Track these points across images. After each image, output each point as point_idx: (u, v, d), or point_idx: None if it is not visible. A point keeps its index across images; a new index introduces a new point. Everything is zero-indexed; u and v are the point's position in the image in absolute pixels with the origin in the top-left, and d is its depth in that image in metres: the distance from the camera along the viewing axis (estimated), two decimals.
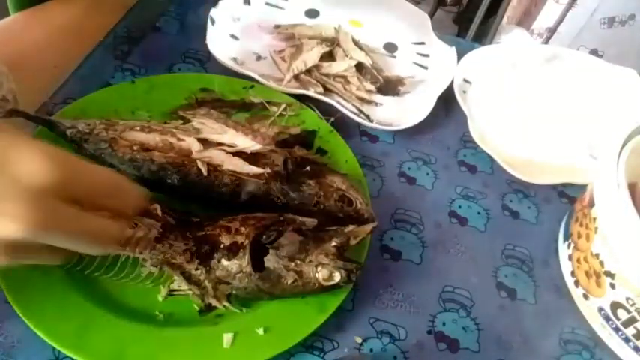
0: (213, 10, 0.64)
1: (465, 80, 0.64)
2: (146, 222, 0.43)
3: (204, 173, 0.44)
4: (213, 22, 0.63)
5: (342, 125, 0.56)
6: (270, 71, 0.61)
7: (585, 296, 0.46)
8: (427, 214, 0.52)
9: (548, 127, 0.61)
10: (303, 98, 0.57)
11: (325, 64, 0.61)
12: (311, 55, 0.61)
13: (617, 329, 0.44)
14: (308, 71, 0.60)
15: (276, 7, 0.71)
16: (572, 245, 0.48)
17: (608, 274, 0.43)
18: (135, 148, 0.45)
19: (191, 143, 0.46)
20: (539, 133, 0.61)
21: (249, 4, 0.69)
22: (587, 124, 0.62)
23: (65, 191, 0.30)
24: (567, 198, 0.56)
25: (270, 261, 0.40)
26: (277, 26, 0.68)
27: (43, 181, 0.29)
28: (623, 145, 0.44)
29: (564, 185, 0.57)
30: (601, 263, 0.44)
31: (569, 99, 0.64)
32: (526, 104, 0.63)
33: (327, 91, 0.60)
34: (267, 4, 0.71)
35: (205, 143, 0.46)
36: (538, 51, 0.69)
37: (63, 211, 0.30)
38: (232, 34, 0.65)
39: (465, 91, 0.62)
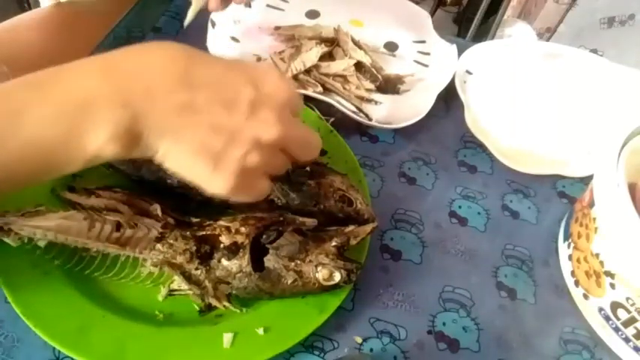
0: (214, 13, 0.63)
1: (467, 72, 0.64)
2: (146, 222, 0.43)
3: None
4: (213, 25, 0.63)
5: (342, 125, 0.56)
6: None
7: (585, 296, 0.46)
8: (427, 214, 0.52)
9: (544, 120, 0.61)
10: (302, 98, 0.57)
11: (324, 63, 0.61)
12: (310, 55, 0.61)
13: (617, 329, 0.44)
14: (307, 71, 0.60)
15: (277, 8, 0.71)
16: (572, 245, 0.48)
17: (608, 274, 0.43)
18: None
19: None
20: (534, 126, 0.61)
21: (249, 6, 0.69)
22: (583, 120, 0.62)
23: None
24: (567, 198, 0.56)
25: (270, 261, 0.40)
26: (278, 28, 0.68)
27: (285, 97, 0.35)
28: (623, 145, 0.44)
29: (564, 185, 0.57)
30: (601, 263, 0.44)
31: (568, 95, 0.64)
32: (524, 97, 0.63)
33: (327, 90, 0.60)
34: (267, 5, 0.71)
35: None
36: (541, 47, 0.69)
37: (295, 121, 0.37)
38: (233, 37, 0.65)
39: (465, 82, 0.62)
